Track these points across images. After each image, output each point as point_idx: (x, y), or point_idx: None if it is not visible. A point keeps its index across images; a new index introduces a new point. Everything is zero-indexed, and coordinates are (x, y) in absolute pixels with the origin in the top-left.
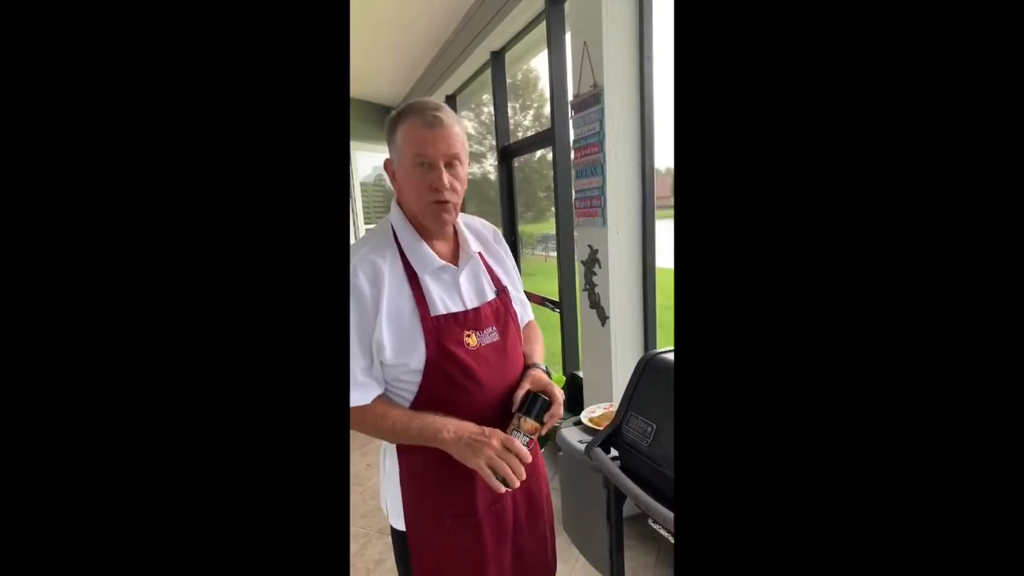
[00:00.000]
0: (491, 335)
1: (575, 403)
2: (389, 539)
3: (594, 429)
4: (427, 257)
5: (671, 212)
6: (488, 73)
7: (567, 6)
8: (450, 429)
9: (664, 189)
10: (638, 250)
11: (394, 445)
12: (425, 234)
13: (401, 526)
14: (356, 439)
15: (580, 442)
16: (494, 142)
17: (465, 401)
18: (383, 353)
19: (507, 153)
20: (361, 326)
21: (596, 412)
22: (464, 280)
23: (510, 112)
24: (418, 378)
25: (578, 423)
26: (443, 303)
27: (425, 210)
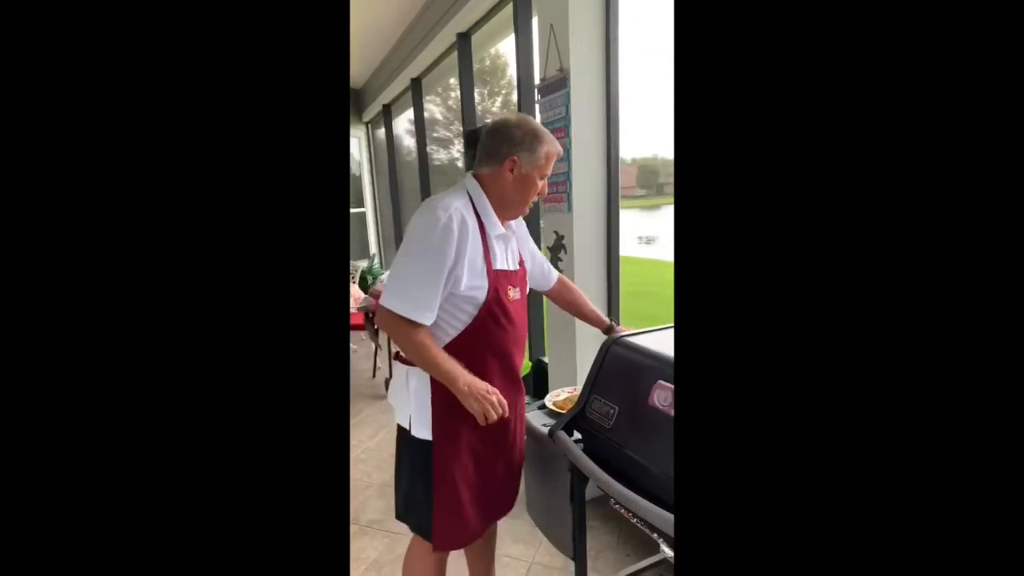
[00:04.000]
0: (519, 293)
1: (540, 388)
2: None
3: (558, 413)
4: (496, 224)
5: (633, 203)
6: (455, 56)
7: None
8: (465, 381)
9: (628, 180)
10: (603, 237)
11: (418, 371)
12: (497, 211)
13: (426, 435)
14: None
15: (544, 426)
16: (461, 128)
17: (502, 337)
18: (459, 285)
19: (475, 135)
20: (447, 261)
21: (560, 396)
22: (510, 247)
23: (478, 98)
24: (475, 311)
25: (543, 407)
26: (502, 260)
27: (523, 207)
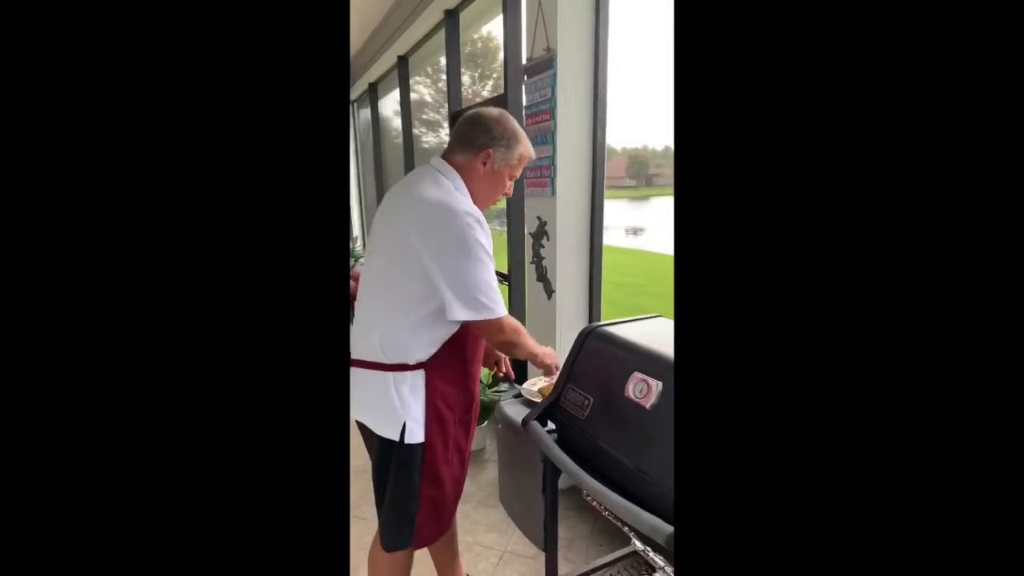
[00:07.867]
0: None
1: (520, 377)
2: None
3: (533, 402)
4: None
5: (621, 193)
6: (443, 34)
7: None
8: (543, 350)
9: (617, 169)
10: (586, 224)
11: (410, 376)
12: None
13: (420, 439)
14: None
15: (519, 415)
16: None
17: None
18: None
19: (458, 117)
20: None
21: (536, 385)
22: None
23: (468, 81)
24: None
25: (518, 396)
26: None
27: (489, 202)
